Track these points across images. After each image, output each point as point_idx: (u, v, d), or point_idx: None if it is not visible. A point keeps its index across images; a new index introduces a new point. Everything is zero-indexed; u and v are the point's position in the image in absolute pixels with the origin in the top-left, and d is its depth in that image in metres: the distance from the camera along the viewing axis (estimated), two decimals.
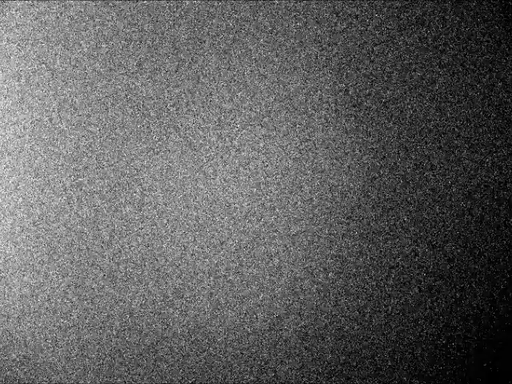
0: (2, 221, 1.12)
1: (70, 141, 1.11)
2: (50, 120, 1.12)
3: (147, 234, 1.09)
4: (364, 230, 1.07)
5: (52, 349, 1.11)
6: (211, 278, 1.09)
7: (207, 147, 1.09)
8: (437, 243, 1.07)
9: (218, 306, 1.08)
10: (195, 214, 1.09)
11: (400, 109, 1.08)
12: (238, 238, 1.08)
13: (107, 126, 1.11)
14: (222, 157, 1.09)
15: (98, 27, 1.12)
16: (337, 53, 1.09)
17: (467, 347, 1.06)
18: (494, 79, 1.07)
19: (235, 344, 1.08)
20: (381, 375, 1.07)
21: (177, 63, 1.10)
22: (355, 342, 1.07)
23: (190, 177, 1.09)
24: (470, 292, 1.06)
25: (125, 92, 1.11)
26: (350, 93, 1.08)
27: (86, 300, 1.10)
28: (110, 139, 1.11)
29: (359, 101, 1.08)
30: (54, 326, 1.11)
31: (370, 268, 1.07)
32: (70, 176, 1.11)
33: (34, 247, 1.11)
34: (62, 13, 1.12)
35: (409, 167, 1.07)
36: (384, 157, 1.07)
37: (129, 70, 1.11)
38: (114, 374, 1.10)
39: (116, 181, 1.10)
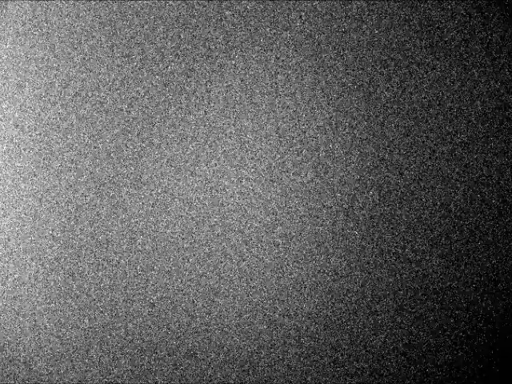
0: (2, 221, 1.12)
1: (70, 140, 1.12)
2: (51, 119, 1.12)
3: (148, 234, 1.09)
4: (365, 230, 1.07)
5: (52, 349, 1.11)
6: (211, 278, 1.09)
7: (208, 147, 1.09)
8: (437, 243, 1.07)
9: (219, 306, 1.08)
10: (196, 213, 1.09)
11: (401, 109, 1.08)
12: (238, 238, 1.08)
13: (107, 126, 1.11)
14: (222, 157, 1.09)
15: (98, 27, 1.12)
16: (337, 55, 1.09)
17: (467, 347, 1.06)
18: (496, 80, 1.07)
19: (235, 344, 1.08)
20: (381, 375, 1.07)
21: (177, 64, 1.11)
22: (355, 341, 1.07)
23: (190, 177, 1.09)
24: (470, 292, 1.06)
25: (125, 92, 1.11)
26: (353, 95, 1.08)
27: (86, 300, 1.10)
28: (109, 139, 1.11)
29: (361, 102, 1.08)
30: (54, 326, 1.11)
31: (371, 268, 1.07)
32: (70, 176, 1.11)
33: (33, 247, 1.11)
34: (62, 13, 1.12)
35: (410, 168, 1.07)
36: (385, 157, 1.08)
37: (129, 69, 1.11)
38: (114, 374, 1.10)
39: (116, 180, 1.10)
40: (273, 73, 1.09)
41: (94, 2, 1.12)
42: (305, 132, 1.08)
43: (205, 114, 1.10)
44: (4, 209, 1.12)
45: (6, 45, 1.13)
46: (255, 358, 1.08)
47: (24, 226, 1.12)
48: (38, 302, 1.11)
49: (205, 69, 1.10)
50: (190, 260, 1.09)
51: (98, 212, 1.10)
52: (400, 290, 1.07)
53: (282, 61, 1.09)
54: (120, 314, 1.10)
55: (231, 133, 1.09)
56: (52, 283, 1.11)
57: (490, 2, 1.08)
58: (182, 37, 1.10)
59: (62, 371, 1.11)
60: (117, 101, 1.11)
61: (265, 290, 1.08)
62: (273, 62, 1.09)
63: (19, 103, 1.13)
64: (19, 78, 1.13)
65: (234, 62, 1.10)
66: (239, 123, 1.09)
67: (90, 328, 1.10)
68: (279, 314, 1.08)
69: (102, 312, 1.10)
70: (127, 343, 1.10)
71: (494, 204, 1.07)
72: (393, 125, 1.08)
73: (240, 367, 1.08)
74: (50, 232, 1.11)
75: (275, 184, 1.08)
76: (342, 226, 1.07)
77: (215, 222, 1.09)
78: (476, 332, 1.06)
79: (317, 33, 1.09)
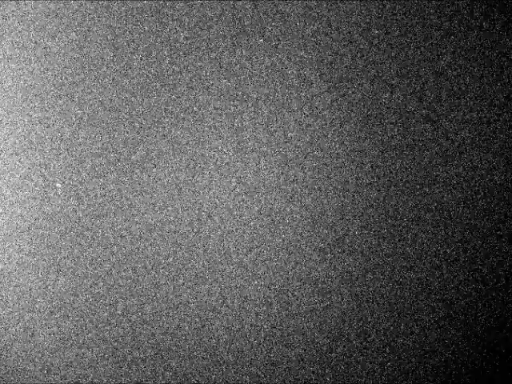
0: (2, 220, 1.12)
1: (70, 140, 1.12)
2: (50, 119, 1.12)
3: (148, 235, 1.09)
4: (364, 230, 1.07)
5: (52, 348, 1.11)
6: (211, 278, 1.09)
7: (206, 148, 1.10)
8: (436, 243, 1.07)
9: (219, 307, 1.08)
10: (195, 213, 1.09)
11: (401, 111, 1.08)
12: (238, 237, 1.08)
13: (107, 126, 1.11)
14: (221, 159, 1.09)
15: (98, 26, 1.12)
16: (337, 56, 1.09)
17: (466, 347, 1.07)
18: (495, 80, 1.08)
19: (235, 344, 1.08)
20: (381, 375, 1.07)
21: (177, 65, 1.11)
22: (355, 341, 1.07)
23: (190, 177, 1.09)
24: (470, 293, 1.07)
25: (125, 93, 1.11)
26: (352, 96, 1.08)
27: (86, 300, 1.10)
28: (109, 140, 1.11)
29: (360, 104, 1.08)
30: (54, 326, 1.11)
31: (370, 268, 1.07)
32: (69, 176, 1.11)
33: (33, 247, 1.11)
34: (61, 13, 1.13)
35: (409, 169, 1.07)
36: (385, 158, 1.08)
37: (129, 70, 1.11)
38: (114, 373, 1.10)
39: (117, 180, 1.10)
40: (273, 73, 1.09)
41: (94, 2, 1.12)
42: (305, 131, 1.08)
43: (206, 112, 1.10)
44: (4, 209, 1.12)
45: (5, 45, 1.13)
46: (255, 357, 1.08)
47: (23, 226, 1.12)
48: (38, 302, 1.11)
49: (205, 68, 1.10)
50: (191, 261, 1.09)
51: (98, 212, 1.11)
52: (400, 289, 1.07)
53: (283, 60, 1.09)
54: (122, 314, 1.10)
55: (231, 131, 1.09)
56: (52, 283, 1.11)
57: (490, 2, 1.08)
58: (183, 36, 1.11)
59: (62, 371, 1.11)
60: (117, 100, 1.11)
61: (264, 289, 1.08)
62: (273, 61, 1.09)
63: (19, 103, 1.13)
64: (18, 78, 1.13)
65: (234, 61, 1.10)
66: (239, 122, 1.09)
67: (91, 329, 1.10)
68: (279, 314, 1.08)
69: (102, 313, 1.10)
70: (128, 343, 1.10)
71: (495, 204, 1.07)
72: (394, 125, 1.08)
73: (239, 367, 1.08)
74: (52, 232, 1.11)
75: (275, 183, 1.08)
76: (342, 227, 1.07)
77: (216, 221, 1.09)
78: (476, 332, 1.06)
79: (319, 31, 1.09)
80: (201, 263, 1.09)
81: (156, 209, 1.09)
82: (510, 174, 1.07)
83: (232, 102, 1.09)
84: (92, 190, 1.11)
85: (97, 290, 1.10)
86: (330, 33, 1.08)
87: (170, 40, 1.10)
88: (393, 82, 1.08)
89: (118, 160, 1.10)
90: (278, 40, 1.09)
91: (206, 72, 1.10)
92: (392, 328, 1.06)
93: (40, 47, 1.13)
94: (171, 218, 1.09)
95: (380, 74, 1.08)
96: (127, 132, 1.11)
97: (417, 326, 1.06)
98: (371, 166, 1.07)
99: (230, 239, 1.08)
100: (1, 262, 1.12)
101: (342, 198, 1.07)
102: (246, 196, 1.08)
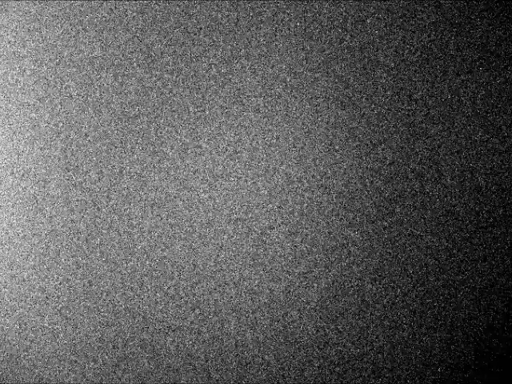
0: (2, 220, 1.12)
1: (70, 140, 1.12)
2: (50, 120, 1.12)
3: (149, 235, 1.09)
4: (363, 231, 1.07)
5: (52, 348, 1.11)
6: (212, 279, 1.09)
7: (207, 149, 1.09)
8: (436, 243, 1.07)
9: (220, 307, 1.08)
10: (197, 215, 1.09)
11: (401, 111, 1.08)
12: (239, 240, 1.08)
13: (107, 127, 1.11)
14: (221, 160, 1.09)
15: (97, 28, 1.12)
16: (337, 56, 1.09)
17: (466, 347, 1.06)
18: (495, 80, 1.07)
19: (235, 344, 1.08)
20: (381, 375, 1.07)
21: (177, 65, 1.11)
22: (355, 342, 1.07)
23: (191, 178, 1.09)
24: (470, 293, 1.07)
25: (125, 93, 1.11)
26: (352, 96, 1.08)
27: (86, 300, 1.10)
28: (110, 140, 1.11)
29: (360, 104, 1.08)
30: (54, 326, 1.11)
31: (370, 268, 1.07)
32: (69, 175, 1.11)
33: (33, 247, 1.11)
34: (62, 13, 1.12)
35: (409, 169, 1.07)
36: (385, 158, 1.08)
37: (129, 70, 1.11)
38: (114, 373, 1.10)
39: (117, 180, 1.10)
40: (273, 73, 1.09)
41: (94, 2, 1.12)
42: (305, 131, 1.08)
43: (206, 112, 1.10)
44: (4, 209, 1.12)
45: (5, 45, 1.13)
46: (255, 357, 1.08)
47: (23, 226, 1.12)
48: (37, 302, 1.11)
49: (206, 68, 1.10)
50: (191, 261, 1.09)
51: (99, 213, 1.10)
52: (400, 289, 1.07)
53: (284, 62, 1.09)
54: (122, 314, 1.10)
55: (231, 131, 1.09)
56: (52, 283, 1.11)
57: (490, 2, 1.08)
58: (183, 40, 1.11)
59: (61, 371, 1.11)
60: (117, 100, 1.11)
61: (264, 289, 1.08)
62: (273, 61, 1.09)
63: (19, 103, 1.13)
64: (18, 78, 1.13)
65: (234, 61, 1.10)
66: (239, 122, 1.09)
67: (91, 329, 1.10)
68: (279, 314, 1.08)
69: (102, 313, 1.10)
70: (128, 343, 1.10)
71: (495, 204, 1.07)
72: (394, 125, 1.08)
73: (239, 367, 1.08)
74: (51, 232, 1.11)
75: (276, 183, 1.08)
76: (342, 226, 1.07)
77: (216, 221, 1.09)
78: (476, 332, 1.06)
79: (319, 32, 1.09)
80: (201, 263, 1.09)
81: (156, 209, 1.09)
82: (510, 174, 1.07)
83: (232, 102, 1.09)
84: (92, 189, 1.11)
85: (97, 290, 1.10)
86: (330, 33, 1.08)
87: (170, 40, 1.10)
88: (393, 82, 1.08)
89: (118, 160, 1.10)
90: (278, 40, 1.09)
91: (206, 72, 1.10)
92: (392, 328, 1.06)
93: (40, 47, 1.13)
94: (171, 218, 1.09)
95: (380, 74, 1.08)
96: (127, 132, 1.11)
97: (417, 325, 1.06)
98: (371, 166, 1.07)
99: (230, 239, 1.08)
100: (1, 262, 1.12)
101: (342, 198, 1.07)
102: (246, 196, 1.08)
